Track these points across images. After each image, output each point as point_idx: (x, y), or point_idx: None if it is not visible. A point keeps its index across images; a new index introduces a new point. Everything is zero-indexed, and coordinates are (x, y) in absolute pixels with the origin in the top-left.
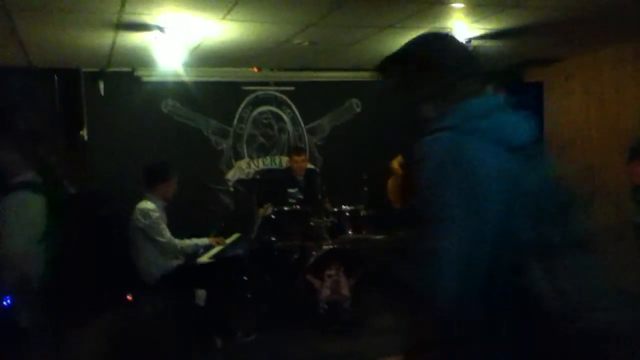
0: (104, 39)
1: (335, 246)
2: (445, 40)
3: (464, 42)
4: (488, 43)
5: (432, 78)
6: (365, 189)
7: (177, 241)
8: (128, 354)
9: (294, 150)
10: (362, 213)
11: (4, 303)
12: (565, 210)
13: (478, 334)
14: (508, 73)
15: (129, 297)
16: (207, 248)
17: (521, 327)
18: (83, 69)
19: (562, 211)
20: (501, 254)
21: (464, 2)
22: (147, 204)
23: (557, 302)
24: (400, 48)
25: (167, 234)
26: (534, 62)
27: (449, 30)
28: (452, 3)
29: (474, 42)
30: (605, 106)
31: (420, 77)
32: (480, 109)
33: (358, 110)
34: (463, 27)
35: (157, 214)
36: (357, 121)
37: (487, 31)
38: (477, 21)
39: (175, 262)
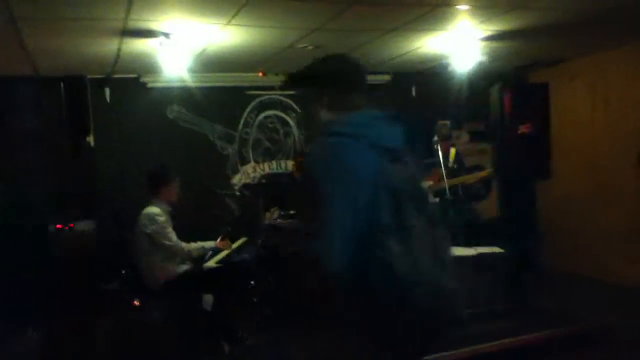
0: (110, 45)
1: None
2: (342, 61)
3: (359, 63)
4: (494, 44)
5: (329, 92)
6: None
7: (183, 244)
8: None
9: (299, 154)
10: None
11: None
12: (423, 201)
13: (350, 291)
14: (513, 75)
15: (136, 303)
16: (214, 252)
17: (378, 288)
18: (89, 76)
19: (421, 202)
20: (368, 232)
21: (469, 4)
22: (153, 209)
23: (408, 268)
24: (307, 66)
25: (174, 237)
26: (539, 63)
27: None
28: (456, 5)
29: (481, 43)
30: (611, 107)
31: (321, 91)
32: (363, 119)
33: None
34: (469, 28)
35: (162, 218)
36: None
37: (493, 32)
38: (483, 22)
39: (182, 268)
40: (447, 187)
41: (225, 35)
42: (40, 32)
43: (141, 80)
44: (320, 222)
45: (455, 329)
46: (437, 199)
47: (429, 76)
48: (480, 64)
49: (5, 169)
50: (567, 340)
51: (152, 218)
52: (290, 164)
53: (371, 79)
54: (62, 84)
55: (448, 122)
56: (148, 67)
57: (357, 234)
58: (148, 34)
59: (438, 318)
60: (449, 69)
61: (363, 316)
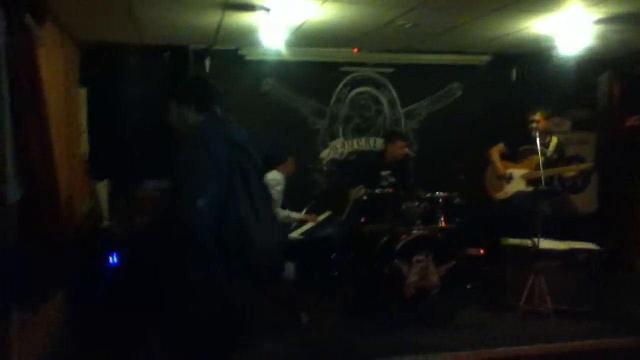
0: (212, 17)
1: (426, 232)
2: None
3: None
4: (606, 28)
5: (197, 103)
6: (462, 176)
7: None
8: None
9: (399, 135)
10: (456, 201)
11: None
12: (261, 179)
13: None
14: (625, 63)
15: None
16: (299, 224)
17: (231, 237)
18: (191, 47)
19: (259, 180)
20: (226, 209)
21: None
22: (275, 175)
23: (252, 224)
24: (183, 83)
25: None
26: None
27: (565, 12)
28: None
29: (592, 27)
30: None
31: (190, 100)
32: (221, 122)
33: (459, 94)
34: (579, 10)
35: (275, 182)
36: (457, 106)
37: (605, 15)
38: (595, 4)
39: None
40: (542, 177)
41: (323, 10)
42: (150, 2)
43: (239, 52)
44: (193, 192)
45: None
46: (530, 188)
47: (532, 59)
48: (590, 49)
49: (109, 135)
50: None
51: (267, 180)
52: (379, 142)
53: (469, 59)
54: (167, 54)
55: (541, 114)
56: (247, 40)
57: (219, 200)
58: (249, 7)
59: (269, 260)
60: (555, 52)
61: (219, 256)
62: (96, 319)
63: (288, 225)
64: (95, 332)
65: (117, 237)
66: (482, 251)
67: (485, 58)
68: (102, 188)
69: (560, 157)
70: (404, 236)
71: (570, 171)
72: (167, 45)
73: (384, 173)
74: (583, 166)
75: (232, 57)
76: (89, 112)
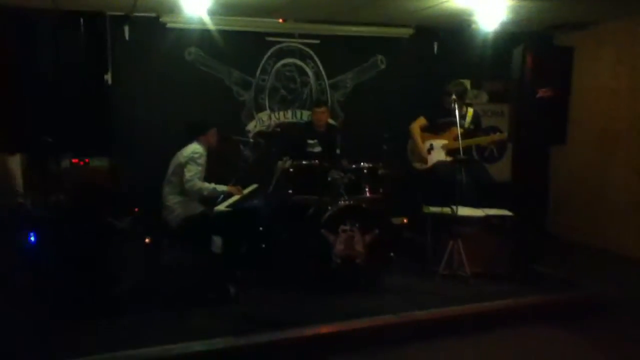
0: None
1: (351, 203)
2: None
3: None
4: (520, 3)
5: None
6: (385, 147)
7: (198, 182)
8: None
9: (315, 102)
10: (380, 171)
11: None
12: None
13: None
14: (538, 37)
15: (147, 240)
16: (225, 196)
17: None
18: (109, 13)
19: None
20: None
21: None
22: (195, 147)
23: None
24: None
25: (193, 175)
26: (566, 25)
27: None
28: None
29: (507, 2)
30: (637, 75)
31: None
32: None
33: (382, 67)
34: None
35: (197, 155)
36: (381, 78)
37: None
38: None
39: (200, 208)
40: (460, 147)
41: None
42: None
43: (161, 20)
44: None
45: None
46: (449, 159)
47: (452, 33)
48: (506, 23)
49: (21, 104)
50: (565, 307)
51: (191, 150)
52: (306, 113)
53: (393, 32)
54: (81, 20)
55: (466, 82)
56: (168, 6)
57: None
58: None
59: None
60: (474, 26)
61: None
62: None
63: (214, 198)
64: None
65: (33, 215)
66: (405, 220)
67: (409, 31)
68: (15, 162)
69: (477, 128)
70: (330, 207)
71: (485, 141)
72: (83, 12)
73: (310, 142)
74: (497, 137)
75: (153, 24)
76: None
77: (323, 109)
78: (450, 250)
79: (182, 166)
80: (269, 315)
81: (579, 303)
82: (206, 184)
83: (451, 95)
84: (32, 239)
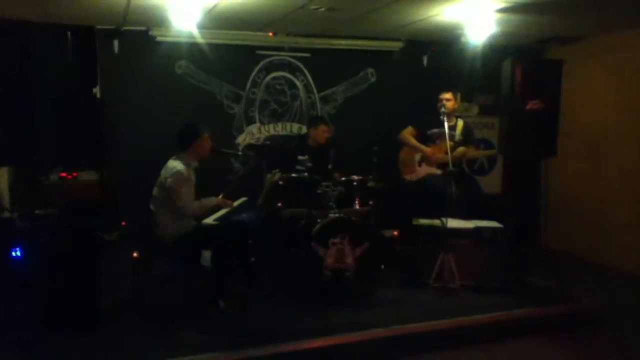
0: None
1: (341, 215)
2: None
3: None
4: (510, 16)
5: None
6: (375, 160)
7: (195, 203)
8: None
9: (322, 120)
10: (371, 184)
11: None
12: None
13: None
14: (528, 50)
15: (135, 254)
16: (214, 209)
17: None
18: (98, 27)
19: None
20: None
21: None
22: (176, 164)
23: None
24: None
25: (185, 198)
26: (556, 39)
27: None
28: None
29: (497, 15)
30: (627, 90)
31: None
32: None
33: (373, 80)
34: None
35: (180, 176)
36: (372, 91)
37: (509, 4)
38: None
39: (193, 224)
40: (450, 160)
41: None
42: None
43: (150, 33)
44: None
45: None
46: (439, 172)
47: (442, 46)
48: (495, 36)
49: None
50: (557, 319)
51: (172, 173)
52: (295, 127)
53: (383, 45)
54: (69, 33)
55: (452, 94)
56: (158, 20)
57: None
58: None
59: None
60: (463, 39)
61: None
62: None
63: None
64: None
65: (19, 229)
66: (396, 232)
67: (398, 45)
68: (2, 175)
69: (467, 140)
70: (320, 220)
71: (474, 155)
72: (72, 25)
73: (301, 158)
74: (488, 152)
75: (143, 38)
76: None
77: (329, 127)
78: (441, 262)
79: (167, 190)
80: (259, 329)
81: (570, 316)
82: (197, 204)
83: (443, 100)
84: (19, 253)
